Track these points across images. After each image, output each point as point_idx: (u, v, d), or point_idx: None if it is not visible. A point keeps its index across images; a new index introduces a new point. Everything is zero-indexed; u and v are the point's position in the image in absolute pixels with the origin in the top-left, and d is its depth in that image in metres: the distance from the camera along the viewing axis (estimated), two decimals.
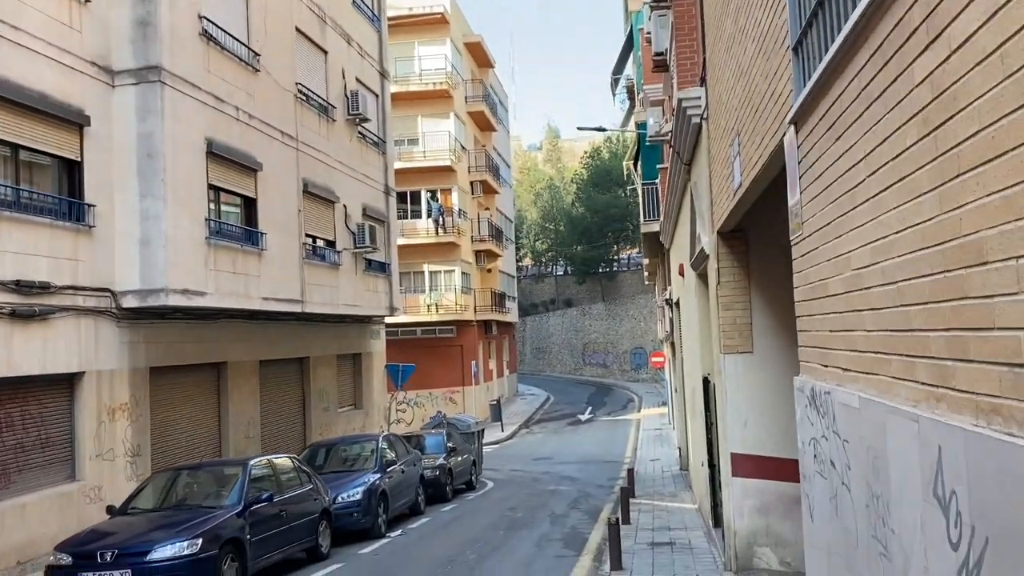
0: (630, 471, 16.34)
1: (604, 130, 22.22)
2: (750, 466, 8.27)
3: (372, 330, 24.02)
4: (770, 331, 8.37)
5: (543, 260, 69.43)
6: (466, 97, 38.43)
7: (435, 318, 34.97)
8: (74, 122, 12.06)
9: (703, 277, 11.01)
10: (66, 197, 12.05)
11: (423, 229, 35.18)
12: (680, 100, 8.77)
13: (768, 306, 8.38)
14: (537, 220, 69.39)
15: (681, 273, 14.49)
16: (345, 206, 20.26)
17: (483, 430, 23.87)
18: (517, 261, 67.91)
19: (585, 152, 63.37)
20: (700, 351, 11.14)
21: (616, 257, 63.38)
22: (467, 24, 40.60)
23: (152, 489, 10.94)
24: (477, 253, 38.98)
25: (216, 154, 14.48)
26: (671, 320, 22.57)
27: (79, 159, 12.21)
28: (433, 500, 17.96)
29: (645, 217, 23.47)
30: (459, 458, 20.08)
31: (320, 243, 19.21)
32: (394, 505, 14.83)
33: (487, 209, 41.71)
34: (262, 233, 15.98)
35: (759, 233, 8.38)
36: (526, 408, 42.29)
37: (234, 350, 16.35)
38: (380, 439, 15.48)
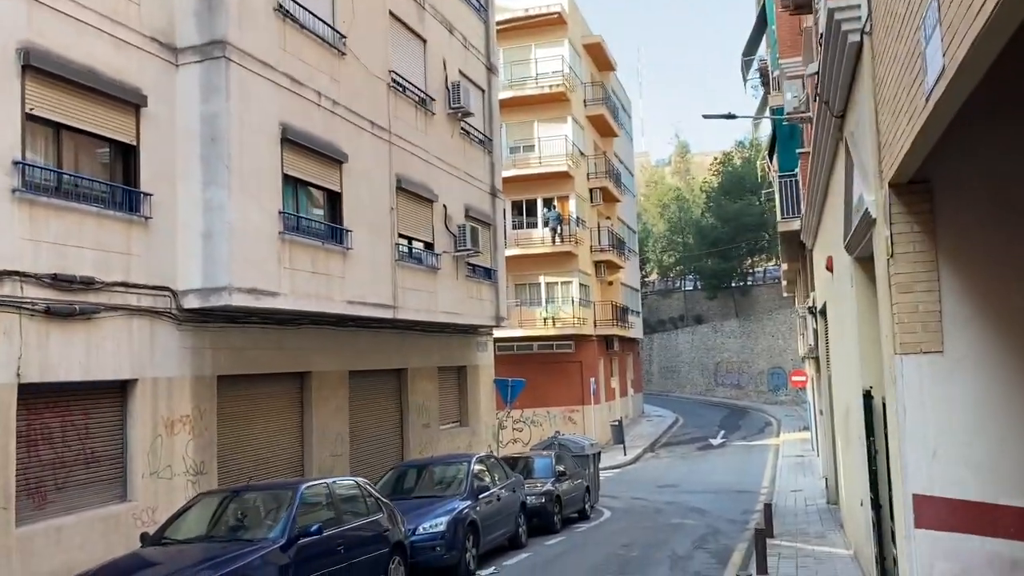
0: (767, 506, 13.75)
1: (734, 117, 19.74)
2: (943, 514, 5.80)
3: (478, 342, 22.32)
4: (971, 322, 5.91)
5: (670, 275, 66.30)
6: (585, 101, 36.50)
7: (551, 332, 32.99)
8: (129, 102, 10.92)
9: (863, 262, 8.53)
10: (119, 184, 10.91)
11: (538, 238, 33.38)
12: (832, 12, 6.47)
13: (967, 288, 5.93)
14: (664, 233, 66.41)
15: (829, 268, 11.92)
16: (445, 206, 18.69)
17: (599, 453, 21.64)
18: (643, 276, 65.13)
19: (716, 159, 60.09)
20: (858, 358, 8.64)
21: (751, 270, 59.58)
22: (586, 25, 38.74)
23: (195, 514, 9.47)
24: (596, 264, 36.79)
25: (293, 141, 13.15)
26: (815, 331, 19.69)
27: (135, 143, 11.06)
28: (537, 531, 15.94)
29: (783, 215, 20.71)
30: (570, 484, 17.98)
31: (416, 245, 17.68)
32: (487, 537, 12.90)
33: (608, 218, 39.50)
34: (347, 231, 14.54)
35: (952, 184, 5.95)
36: (652, 430, 39.58)
37: (319, 359, 14.96)
38: (473, 461, 13.61)
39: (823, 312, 16.76)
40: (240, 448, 13.04)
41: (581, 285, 34.23)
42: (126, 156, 11.07)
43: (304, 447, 14.69)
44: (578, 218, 34.09)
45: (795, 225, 19.73)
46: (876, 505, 8.17)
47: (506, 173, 33.69)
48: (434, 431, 19.29)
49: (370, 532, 10.00)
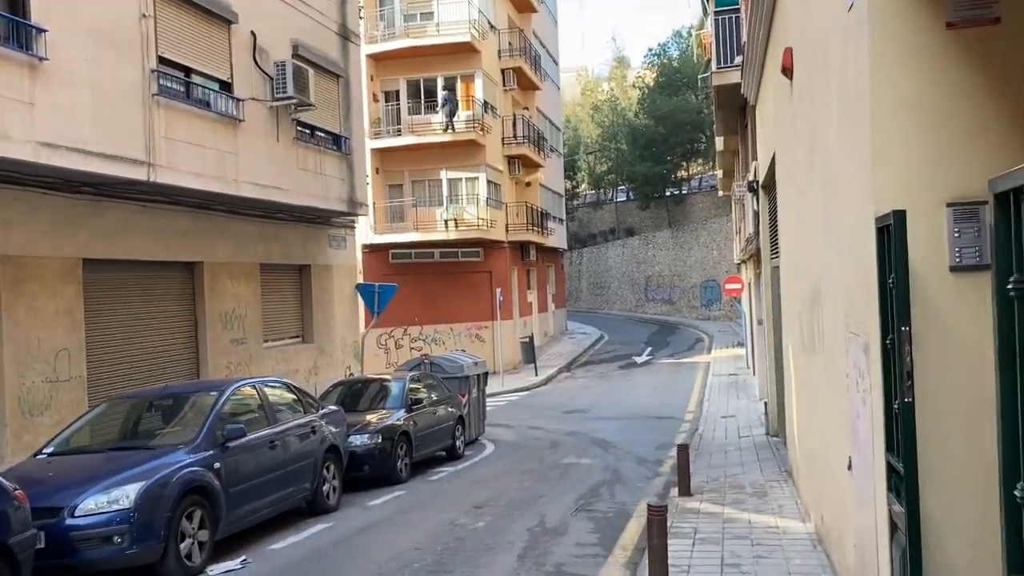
0: (682, 448, 9.20)
1: None
2: None
3: (331, 235, 17.21)
4: None
5: (602, 184, 61.46)
6: None
7: (454, 236, 27.98)
8: None
9: None
10: None
11: (438, 125, 28.03)
12: None
13: None
14: (596, 139, 61.26)
15: (787, 67, 7.12)
16: (253, 33, 13.27)
17: (485, 374, 16.96)
18: (573, 188, 60.12)
19: (649, 50, 54.70)
20: (869, 157, 3.86)
21: (686, 176, 55.09)
22: None
23: None
24: (509, 159, 31.62)
25: None
26: (755, 215, 15.17)
27: None
28: (373, 483, 11.32)
29: (719, 64, 15.87)
30: (430, 415, 13.37)
31: (203, 82, 12.32)
32: (241, 509, 8.05)
33: (525, 108, 34.21)
34: (40, 30, 9.16)
35: None
36: (572, 348, 35.34)
37: (17, 237, 9.76)
38: (229, 388, 8.65)
39: (767, 185, 12.23)
40: None
41: (490, 182, 29.15)
42: None
43: None
44: (486, 103, 28.75)
45: (735, 76, 14.97)
46: (908, 479, 3.50)
47: (398, 44, 28.06)
48: (252, 348, 14.30)
49: None
